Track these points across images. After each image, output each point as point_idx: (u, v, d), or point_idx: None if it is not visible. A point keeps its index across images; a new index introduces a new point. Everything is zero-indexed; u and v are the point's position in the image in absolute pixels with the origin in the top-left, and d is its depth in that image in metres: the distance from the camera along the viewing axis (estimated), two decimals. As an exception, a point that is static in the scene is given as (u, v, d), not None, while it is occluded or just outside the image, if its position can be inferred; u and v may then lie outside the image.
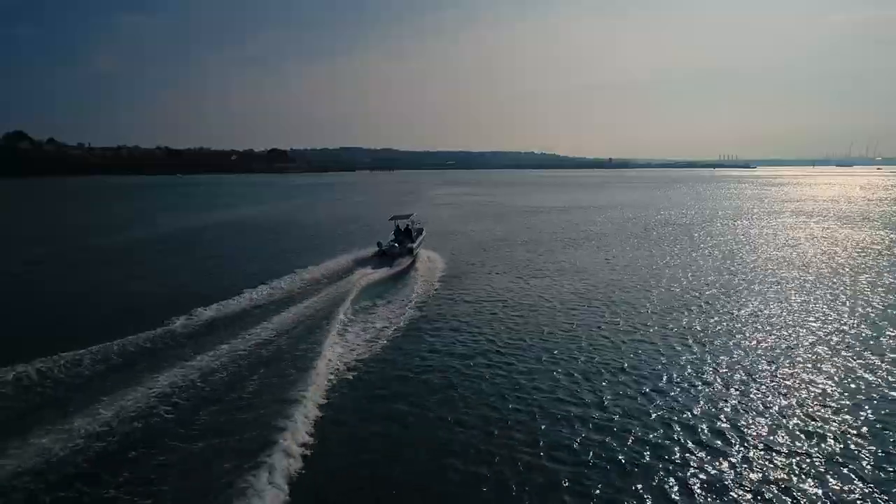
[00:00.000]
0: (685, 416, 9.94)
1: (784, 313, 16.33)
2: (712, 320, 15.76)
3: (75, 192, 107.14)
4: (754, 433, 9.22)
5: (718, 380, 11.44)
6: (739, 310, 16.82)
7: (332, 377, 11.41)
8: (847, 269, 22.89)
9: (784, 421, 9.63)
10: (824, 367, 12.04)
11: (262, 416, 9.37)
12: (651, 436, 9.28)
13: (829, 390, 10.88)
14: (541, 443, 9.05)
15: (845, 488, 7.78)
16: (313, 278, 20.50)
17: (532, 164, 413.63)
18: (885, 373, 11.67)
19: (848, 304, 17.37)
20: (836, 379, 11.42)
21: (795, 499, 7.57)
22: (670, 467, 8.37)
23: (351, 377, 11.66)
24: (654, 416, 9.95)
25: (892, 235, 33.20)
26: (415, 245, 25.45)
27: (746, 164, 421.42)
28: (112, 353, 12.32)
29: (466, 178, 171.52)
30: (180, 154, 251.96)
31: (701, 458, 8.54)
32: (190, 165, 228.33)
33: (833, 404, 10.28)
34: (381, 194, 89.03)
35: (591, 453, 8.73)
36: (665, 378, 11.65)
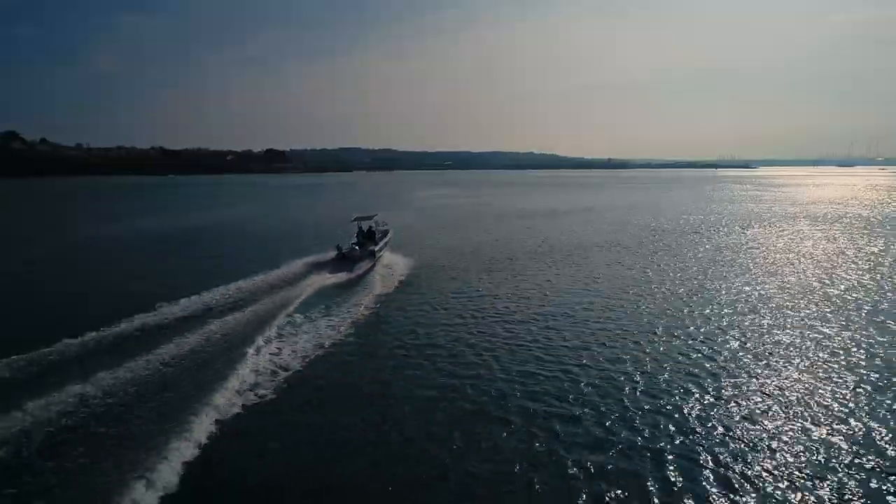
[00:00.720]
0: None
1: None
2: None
3: (74, 192, 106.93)
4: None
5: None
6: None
7: (257, 383, 11.08)
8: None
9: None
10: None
11: (164, 425, 9.09)
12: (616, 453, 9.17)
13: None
14: (481, 459, 8.62)
15: None
16: (265, 283, 19.29)
17: (531, 164, 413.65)
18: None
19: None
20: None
21: None
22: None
23: (281, 382, 11.24)
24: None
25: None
26: (377, 248, 24.00)
27: (746, 164, 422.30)
28: (44, 358, 12.00)
29: (464, 179, 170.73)
30: (177, 154, 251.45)
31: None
32: (187, 166, 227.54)
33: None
34: (381, 195, 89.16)
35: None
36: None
